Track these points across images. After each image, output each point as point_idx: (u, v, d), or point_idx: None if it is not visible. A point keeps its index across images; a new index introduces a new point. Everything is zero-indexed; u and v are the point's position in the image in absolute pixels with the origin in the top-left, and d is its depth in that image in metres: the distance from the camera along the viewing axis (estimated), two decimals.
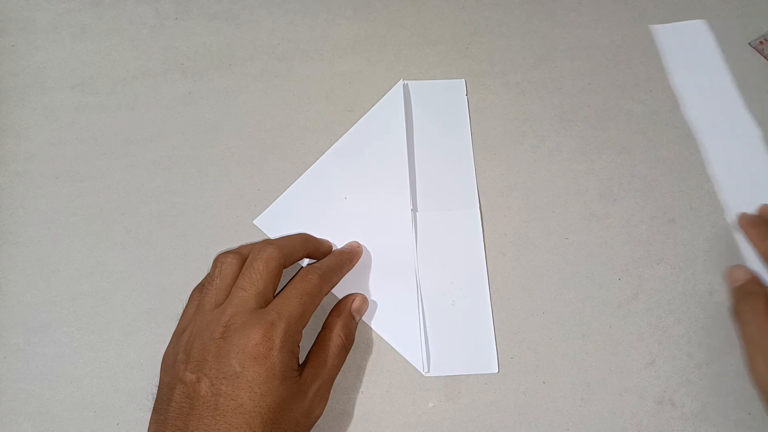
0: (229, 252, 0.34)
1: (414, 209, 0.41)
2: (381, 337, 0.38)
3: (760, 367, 0.33)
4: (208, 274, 0.34)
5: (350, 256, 0.38)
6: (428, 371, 0.37)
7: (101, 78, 0.46)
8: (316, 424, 0.33)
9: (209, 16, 0.48)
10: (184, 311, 0.34)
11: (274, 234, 0.40)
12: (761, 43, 0.47)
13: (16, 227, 0.41)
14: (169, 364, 0.31)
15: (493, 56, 0.47)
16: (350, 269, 0.38)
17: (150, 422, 0.30)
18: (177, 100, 0.45)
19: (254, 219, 0.41)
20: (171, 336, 0.33)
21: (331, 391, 0.34)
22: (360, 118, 0.44)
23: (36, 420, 0.36)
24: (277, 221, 0.41)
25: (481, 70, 0.47)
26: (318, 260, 0.37)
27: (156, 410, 0.30)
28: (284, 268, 0.33)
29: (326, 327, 0.35)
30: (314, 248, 0.37)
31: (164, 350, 0.32)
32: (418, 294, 0.38)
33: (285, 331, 0.30)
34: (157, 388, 0.31)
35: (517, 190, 0.42)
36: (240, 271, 0.33)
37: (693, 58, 0.47)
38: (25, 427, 0.36)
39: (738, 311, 0.36)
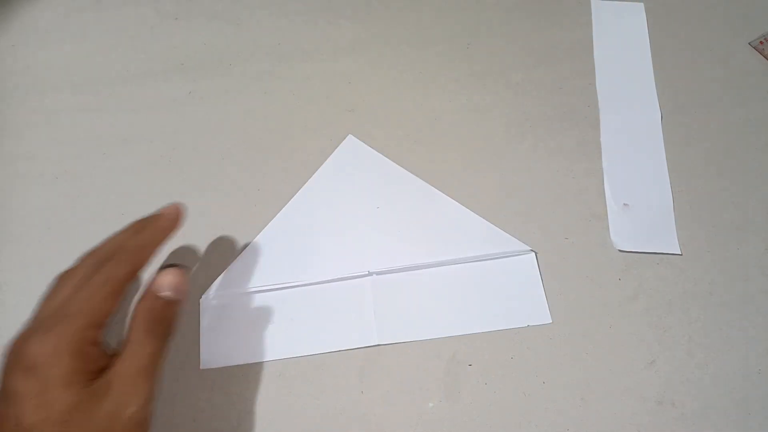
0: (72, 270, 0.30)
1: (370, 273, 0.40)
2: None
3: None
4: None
5: (158, 226, 0.32)
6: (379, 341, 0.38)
7: (101, 78, 0.46)
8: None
9: (209, 16, 0.48)
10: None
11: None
12: (761, 43, 0.47)
13: (16, 227, 0.41)
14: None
15: (493, 56, 0.47)
16: (161, 242, 0.32)
17: None
18: (177, 100, 0.45)
19: (253, 220, 0.41)
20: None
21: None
22: (360, 119, 0.44)
23: None
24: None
25: (481, 70, 0.46)
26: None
27: None
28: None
29: (133, 317, 0.29)
30: (136, 268, 0.31)
31: None
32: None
33: (71, 333, 0.26)
34: None
35: (517, 190, 0.42)
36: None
37: (620, 37, 0.47)
38: None
39: None
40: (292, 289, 0.39)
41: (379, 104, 0.45)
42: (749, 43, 0.48)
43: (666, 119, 0.45)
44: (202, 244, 0.40)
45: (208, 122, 0.44)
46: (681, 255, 0.40)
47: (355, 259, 0.40)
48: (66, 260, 0.40)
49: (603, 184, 0.43)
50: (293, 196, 0.42)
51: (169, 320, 0.30)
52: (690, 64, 0.47)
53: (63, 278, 0.30)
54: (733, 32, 0.48)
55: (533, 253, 0.40)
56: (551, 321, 0.38)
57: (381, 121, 0.44)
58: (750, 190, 0.42)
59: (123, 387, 0.27)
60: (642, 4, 0.49)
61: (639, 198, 0.42)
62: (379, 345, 0.38)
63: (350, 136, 0.44)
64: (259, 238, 0.41)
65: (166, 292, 0.30)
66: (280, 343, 0.38)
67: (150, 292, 0.30)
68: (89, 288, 0.28)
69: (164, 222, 0.32)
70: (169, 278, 0.30)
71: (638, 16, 0.48)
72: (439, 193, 0.42)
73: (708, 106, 0.45)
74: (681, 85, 0.46)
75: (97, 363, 0.27)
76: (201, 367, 0.37)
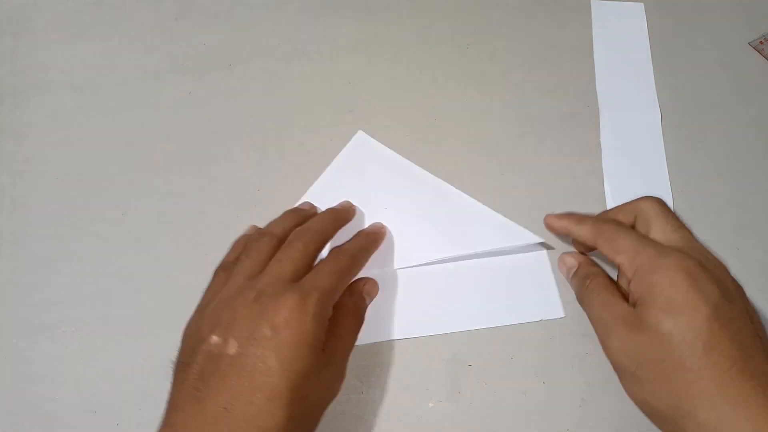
0: (264, 231, 0.35)
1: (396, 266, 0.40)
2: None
3: (613, 343, 0.32)
4: (231, 252, 0.36)
5: (376, 237, 0.38)
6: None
7: (102, 78, 0.46)
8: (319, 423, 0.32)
9: (210, 17, 0.48)
10: (208, 287, 0.34)
11: None
12: (761, 43, 0.47)
13: (16, 227, 0.41)
14: (193, 331, 0.31)
15: (493, 56, 0.47)
16: (376, 250, 0.38)
17: (170, 391, 0.29)
18: (177, 101, 0.45)
19: (253, 220, 0.41)
20: (192, 317, 0.32)
21: None
22: (360, 119, 0.44)
23: (36, 420, 0.36)
24: None
25: (481, 70, 0.47)
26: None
27: (175, 375, 0.29)
28: (319, 252, 0.34)
29: (338, 306, 0.34)
30: (343, 223, 0.38)
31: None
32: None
33: (318, 301, 0.29)
34: (177, 357, 0.30)
35: (517, 191, 0.42)
36: (276, 250, 0.33)
37: (620, 37, 0.47)
38: (25, 427, 0.36)
39: (582, 296, 0.36)
40: None
41: (379, 105, 0.45)
42: (749, 43, 0.48)
43: (666, 119, 0.45)
44: (202, 245, 0.40)
45: (209, 122, 0.44)
46: None
47: None
48: (66, 260, 0.40)
49: (603, 184, 0.43)
50: (293, 195, 0.42)
51: (363, 320, 0.36)
52: (690, 64, 0.47)
53: (282, 250, 0.33)
54: (733, 32, 0.48)
55: (545, 250, 0.40)
56: (563, 315, 0.38)
57: (380, 122, 0.45)
58: (750, 190, 0.42)
59: (337, 366, 0.32)
60: (642, 4, 0.49)
61: None
62: (379, 344, 0.38)
63: (360, 132, 0.44)
64: None
65: (368, 298, 0.37)
66: None
67: (361, 294, 0.36)
68: (340, 275, 0.33)
69: (381, 240, 0.39)
70: (369, 287, 0.37)
71: (638, 16, 0.49)
72: (451, 188, 0.42)
73: (708, 106, 0.45)
74: (681, 85, 0.46)
75: (324, 335, 0.30)
76: None
